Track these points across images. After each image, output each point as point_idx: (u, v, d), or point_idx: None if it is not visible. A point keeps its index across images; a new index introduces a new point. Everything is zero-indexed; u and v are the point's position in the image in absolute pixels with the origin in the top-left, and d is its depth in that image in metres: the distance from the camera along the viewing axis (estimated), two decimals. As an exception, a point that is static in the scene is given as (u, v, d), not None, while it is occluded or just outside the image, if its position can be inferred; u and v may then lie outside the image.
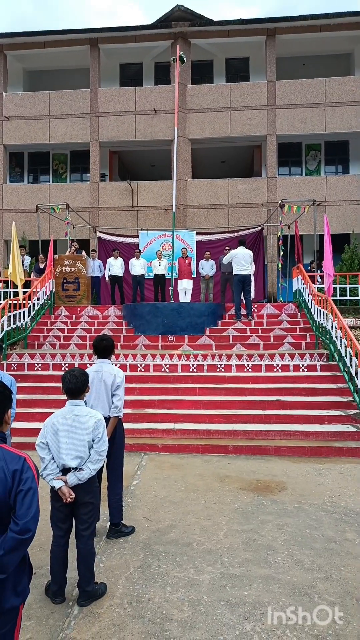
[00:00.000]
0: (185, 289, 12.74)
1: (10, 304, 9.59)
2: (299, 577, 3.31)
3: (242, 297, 10.56)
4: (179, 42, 16.37)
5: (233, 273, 10.42)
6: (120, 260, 13.02)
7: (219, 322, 10.52)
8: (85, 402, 3.93)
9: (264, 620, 2.83)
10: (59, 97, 17.34)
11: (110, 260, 12.96)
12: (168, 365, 8.44)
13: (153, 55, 17.97)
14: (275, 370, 8.30)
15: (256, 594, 3.10)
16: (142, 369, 8.46)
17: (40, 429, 3.14)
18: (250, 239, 15.12)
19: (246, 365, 8.36)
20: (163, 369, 8.42)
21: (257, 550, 3.68)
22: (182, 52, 12.15)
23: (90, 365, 4.28)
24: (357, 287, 11.78)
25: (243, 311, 10.60)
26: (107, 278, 12.78)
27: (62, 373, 3.45)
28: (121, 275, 13.03)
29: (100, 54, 17.55)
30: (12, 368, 8.68)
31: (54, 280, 12.02)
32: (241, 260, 10.29)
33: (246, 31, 16.80)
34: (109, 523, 4.02)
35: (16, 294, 10.29)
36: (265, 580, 3.27)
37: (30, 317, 10.40)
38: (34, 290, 10.86)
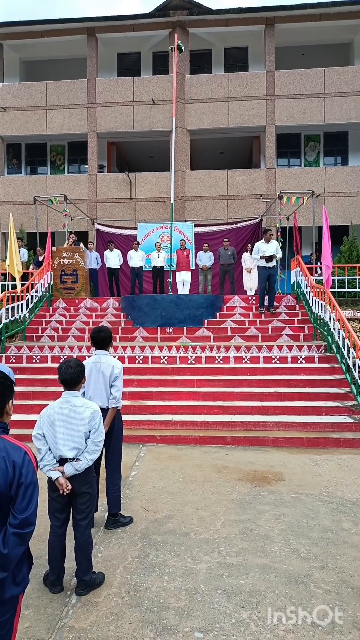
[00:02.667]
0: (183, 281, 12.72)
1: (8, 296, 9.57)
2: (295, 566, 3.34)
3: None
4: (177, 31, 16.19)
5: None
6: (116, 252, 13.03)
7: (218, 314, 10.51)
8: (84, 393, 3.96)
9: (260, 608, 2.86)
10: (56, 88, 17.19)
11: (106, 252, 13.01)
12: (166, 357, 8.45)
13: (151, 44, 17.79)
14: (273, 361, 8.31)
15: (252, 583, 3.12)
16: (141, 361, 8.46)
17: (39, 420, 3.15)
18: (248, 230, 15.09)
19: (244, 356, 8.37)
20: (161, 361, 8.42)
21: (254, 540, 3.71)
22: (180, 42, 12.03)
23: (89, 357, 4.28)
24: (356, 279, 11.76)
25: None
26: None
27: (59, 365, 3.45)
28: (118, 267, 13.03)
29: (98, 44, 17.37)
30: (10, 360, 8.68)
31: (52, 272, 11.99)
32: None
33: (245, 20, 16.63)
34: (107, 513, 4.05)
35: (14, 286, 10.27)
36: (261, 569, 3.30)
37: (28, 310, 10.38)
38: (32, 282, 10.83)
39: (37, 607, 2.91)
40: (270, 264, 10.15)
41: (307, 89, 16.40)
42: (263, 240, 10.32)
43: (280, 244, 12.95)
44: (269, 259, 10.07)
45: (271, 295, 10.42)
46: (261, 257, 10.07)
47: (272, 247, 10.20)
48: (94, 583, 3.08)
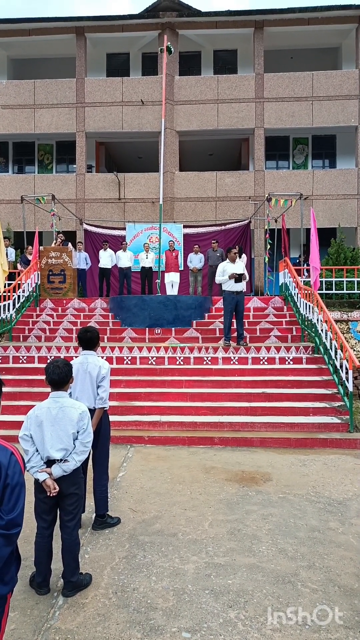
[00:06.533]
0: (172, 282, 12.73)
1: (-6, 296, 9.47)
2: (282, 565, 3.35)
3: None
4: (166, 32, 16.20)
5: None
6: (109, 251, 13.01)
7: (206, 315, 10.53)
8: (70, 393, 3.93)
9: (248, 608, 2.86)
10: (45, 86, 17.08)
11: (100, 252, 13.06)
12: (155, 358, 8.43)
13: (140, 45, 17.78)
14: (261, 362, 8.34)
15: (240, 583, 3.13)
16: (129, 362, 8.44)
17: (25, 421, 3.12)
18: (237, 232, 15.16)
19: (232, 357, 8.39)
20: (150, 362, 8.40)
21: (242, 540, 3.71)
22: (169, 43, 12.02)
23: (76, 357, 4.25)
24: (343, 281, 11.86)
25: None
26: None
27: (47, 365, 3.41)
28: (109, 267, 13.00)
29: (87, 43, 17.31)
30: (-4, 361, 8.59)
31: (39, 272, 11.90)
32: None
33: (234, 23, 16.71)
34: (94, 514, 4.02)
35: None
36: (249, 569, 3.30)
37: (15, 310, 10.28)
38: (19, 282, 10.74)
39: (23, 608, 2.87)
40: (239, 288, 8.71)
41: (296, 92, 16.53)
42: (228, 261, 8.85)
43: (269, 246, 13.05)
44: (238, 278, 8.59)
45: (240, 326, 8.97)
46: (230, 277, 8.58)
47: (239, 268, 8.82)
48: (81, 584, 3.05)
